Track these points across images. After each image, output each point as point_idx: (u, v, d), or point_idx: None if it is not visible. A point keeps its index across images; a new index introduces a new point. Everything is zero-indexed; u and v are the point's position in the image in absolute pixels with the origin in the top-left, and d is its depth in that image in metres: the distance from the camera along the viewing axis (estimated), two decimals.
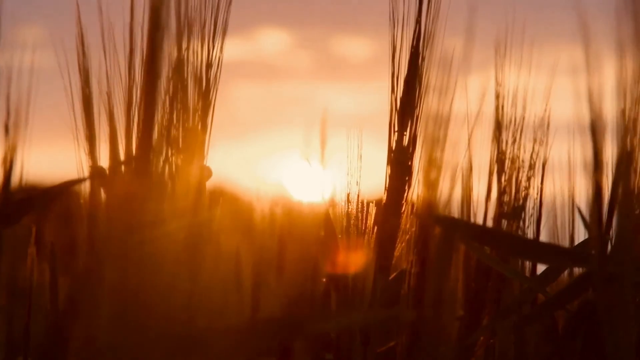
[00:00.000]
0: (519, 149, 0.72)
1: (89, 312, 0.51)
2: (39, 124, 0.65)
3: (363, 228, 0.70)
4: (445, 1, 0.67)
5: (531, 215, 0.73)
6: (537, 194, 0.73)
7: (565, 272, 0.69)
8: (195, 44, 0.61)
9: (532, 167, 0.72)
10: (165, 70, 0.46)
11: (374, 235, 0.69)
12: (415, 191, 0.69)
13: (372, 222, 0.70)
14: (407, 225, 0.68)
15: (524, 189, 0.72)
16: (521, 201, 0.72)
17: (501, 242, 0.66)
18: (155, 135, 0.48)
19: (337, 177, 0.71)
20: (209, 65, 0.62)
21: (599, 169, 0.54)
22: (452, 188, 0.56)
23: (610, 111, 0.55)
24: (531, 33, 0.71)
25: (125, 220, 0.48)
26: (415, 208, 0.68)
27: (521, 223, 0.72)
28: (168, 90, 0.52)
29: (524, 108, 0.72)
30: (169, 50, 0.46)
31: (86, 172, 0.63)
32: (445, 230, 0.56)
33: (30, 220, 0.70)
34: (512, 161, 0.71)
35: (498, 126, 0.71)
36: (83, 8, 0.63)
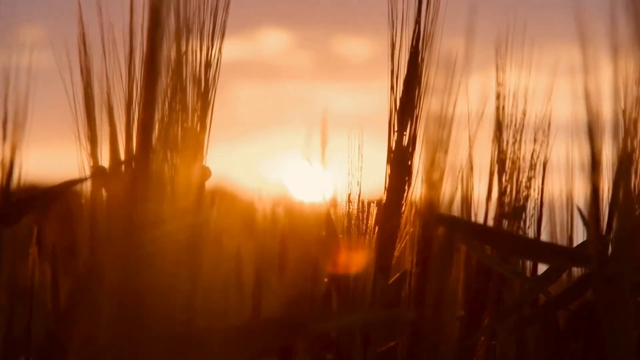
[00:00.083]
0: (519, 149, 0.72)
1: (90, 312, 0.51)
2: (40, 124, 0.65)
3: (364, 228, 0.70)
4: (445, 1, 0.67)
5: (532, 216, 0.73)
6: (538, 194, 0.73)
7: (564, 273, 0.69)
8: (195, 44, 0.61)
9: (532, 167, 0.72)
10: (164, 71, 0.46)
11: (374, 236, 0.69)
12: (416, 191, 0.68)
13: (372, 222, 0.70)
14: (408, 225, 0.68)
15: (524, 189, 0.72)
16: (522, 201, 0.72)
17: (502, 241, 0.66)
18: (155, 135, 0.48)
19: (338, 177, 0.71)
20: (208, 66, 0.62)
21: (597, 169, 0.54)
22: (452, 188, 0.56)
23: (609, 112, 0.55)
24: (531, 33, 0.71)
25: (126, 220, 0.48)
26: (416, 208, 0.68)
27: (522, 223, 0.72)
28: (167, 90, 0.52)
29: (525, 108, 0.72)
30: (168, 51, 0.46)
31: (87, 172, 0.63)
32: (446, 229, 0.56)
33: (31, 220, 0.70)
34: (513, 161, 0.71)
35: (499, 126, 0.71)
36: (83, 8, 0.63)
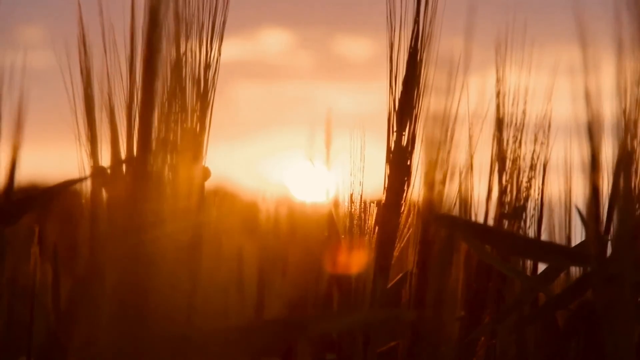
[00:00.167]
0: (519, 148, 0.72)
1: (91, 313, 0.51)
2: (40, 124, 0.65)
3: (365, 228, 0.70)
4: (445, 1, 0.67)
5: (532, 216, 0.73)
6: (538, 194, 0.73)
7: (563, 273, 0.69)
8: (194, 44, 0.61)
9: (533, 167, 0.72)
10: (163, 71, 0.46)
11: (374, 236, 0.69)
12: (415, 191, 0.69)
13: (373, 222, 0.70)
14: (407, 225, 0.68)
15: (524, 189, 0.72)
16: (522, 201, 0.72)
17: (502, 240, 0.66)
18: (154, 136, 0.48)
19: (340, 177, 0.71)
20: (207, 66, 0.62)
21: (597, 169, 0.54)
22: (452, 188, 0.56)
23: (609, 112, 0.55)
24: (531, 33, 0.71)
25: (126, 221, 0.48)
26: (415, 208, 0.68)
27: (522, 223, 0.72)
28: (167, 91, 0.52)
29: (525, 108, 0.72)
30: (167, 51, 0.46)
31: (87, 172, 0.63)
32: (446, 229, 0.56)
33: (33, 220, 0.70)
34: (513, 161, 0.71)
35: (499, 126, 0.71)
36: (83, 8, 0.63)
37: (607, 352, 0.53)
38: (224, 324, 0.56)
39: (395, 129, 0.68)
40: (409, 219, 0.68)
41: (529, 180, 0.72)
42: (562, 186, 0.73)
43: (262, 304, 0.81)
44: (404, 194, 0.68)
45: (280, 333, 0.48)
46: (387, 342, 0.71)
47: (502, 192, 0.71)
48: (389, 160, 0.68)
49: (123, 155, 0.60)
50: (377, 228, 0.69)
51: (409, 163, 0.68)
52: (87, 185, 0.62)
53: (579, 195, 0.73)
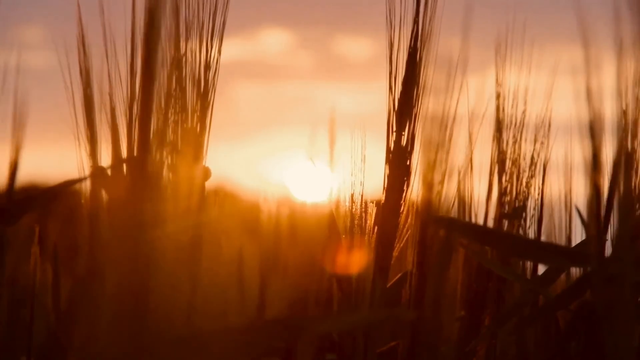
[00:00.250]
0: (519, 148, 0.72)
1: (91, 313, 0.51)
2: (41, 124, 0.65)
3: (366, 228, 0.70)
4: (445, 1, 0.67)
5: (532, 216, 0.72)
6: (538, 194, 0.73)
7: (562, 274, 0.69)
8: (194, 45, 0.61)
9: (533, 167, 0.72)
10: (162, 72, 0.46)
11: (374, 236, 0.69)
12: (414, 191, 0.68)
13: (372, 222, 0.70)
14: (407, 226, 0.68)
15: (524, 189, 0.72)
16: (522, 201, 0.72)
17: (502, 242, 0.66)
18: (154, 136, 0.48)
19: (340, 177, 0.71)
20: (207, 66, 0.62)
21: (598, 168, 0.54)
22: (452, 188, 0.56)
23: (610, 112, 0.55)
24: (531, 33, 0.71)
25: (126, 221, 0.48)
26: (415, 208, 0.68)
27: (522, 223, 0.72)
28: (166, 91, 0.52)
29: (525, 108, 0.72)
30: (166, 52, 0.46)
31: (87, 172, 0.63)
32: (445, 230, 0.56)
33: (33, 220, 0.70)
34: (513, 161, 0.71)
35: (499, 126, 0.71)
36: (84, 8, 0.63)
37: (607, 352, 0.53)
38: (224, 324, 0.56)
39: (394, 129, 0.68)
40: (409, 219, 0.68)
41: (529, 180, 0.72)
42: (562, 186, 0.73)
43: (262, 304, 0.81)
44: (404, 194, 0.68)
45: (280, 333, 0.48)
46: (387, 342, 0.71)
47: (502, 192, 0.71)
48: (388, 161, 0.68)
49: (123, 155, 0.60)
50: (376, 228, 0.69)
51: (408, 163, 0.68)
52: (87, 186, 0.62)
53: (579, 195, 0.73)
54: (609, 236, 0.66)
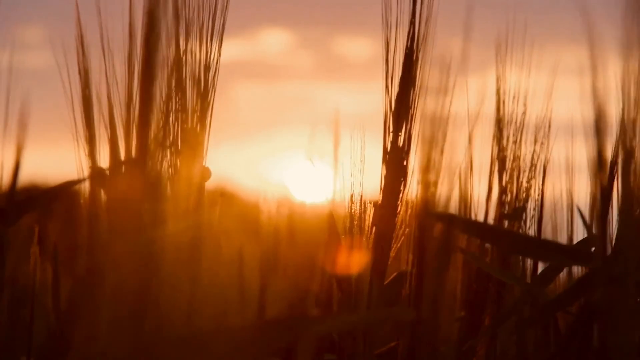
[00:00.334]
0: (519, 148, 0.72)
1: (91, 313, 0.51)
2: (41, 124, 0.65)
3: (364, 229, 0.70)
4: (443, 1, 0.67)
5: (532, 216, 0.72)
6: (538, 194, 0.73)
7: (560, 273, 0.69)
8: (194, 45, 0.61)
9: (533, 167, 0.72)
10: (161, 72, 0.46)
11: (372, 236, 0.69)
12: (412, 191, 0.69)
13: (370, 222, 0.70)
14: (404, 226, 0.69)
15: (524, 189, 0.72)
16: (522, 202, 0.72)
17: (502, 239, 0.66)
18: (154, 136, 0.48)
19: (340, 178, 0.71)
20: (207, 66, 0.62)
21: (604, 167, 0.54)
22: (451, 188, 0.56)
23: (612, 111, 0.55)
24: (531, 33, 0.71)
25: (125, 221, 0.48)
26: (412, 208, 0.68)
27: (522, 223, 0.72)
28: (166, 91, 0.52)
29: (525, 108, 0.72)
30: (165, 52, 0.46)
31: (86, 173, 0.63)
32: (446, 226, 0.56)
33: (33, 220, 0.70)
34: (513, 161, 0.71)
35: (499, 126, 0.71)
36: (82, 9, 0.63)
37: (610, 352, 0.53)
38: (224, 324, 0.56)
39: (391, 129, 0.68)
40: (406, 219, 0.68)
41: (529, 180, 0.72)
42: (563, 186, 0.73)
43: (262, 304, 0.81)
44: (400, 195, 0.68)
45: (280, 333, 0.48)
46: (388, 342, 0.71)
47: (502, 192, 0.71)
48: (385, 161, 0.68)
49: (122, 155, 0.60)
50: (374, 228, 0.69)
51: (405, 163, 0.68)
52: (86, 186, 0.62)
53: (579, 195, 0.73)
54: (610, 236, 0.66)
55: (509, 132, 0.71)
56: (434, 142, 0.55)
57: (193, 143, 0.60)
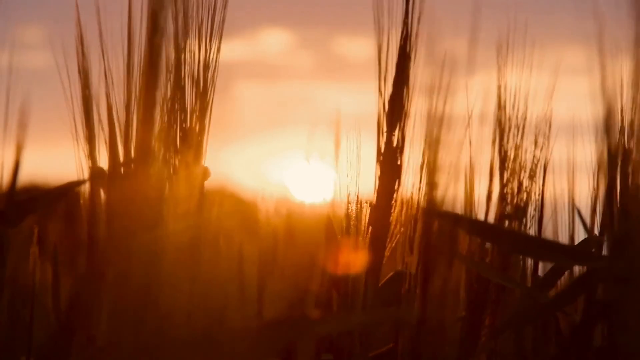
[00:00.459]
0: (520, 148, 0.72)
1: (91, 313, 0.51)
2: (41, 123, 0.65)
3: (361, 229, 0.70)
4: (441, 1, 0.67)
5: (532, 217, 0.72)
6: (539, 194, 0.73)
7: (562, 276, 0.69)
8: (193, 45, 0.61)
9: (533, 167, 0.72)
10: (163, 73, 0.46)
11: (368, 236, 0.69)
12: (407, 190, 0.69)
13: (366, 222, 0.70)
14: (399, 225, 0.69)
15: (525, 189, 0.72)
16: (523, 202, 0.72)
17: (504, 239, 0.66)
18: (155, 136, 0.48)
19: (338, 178, 0.71)
20: (206, 66, 0.62)
21: (614, 166, 0.54)
22: (450, 189, 0.56)
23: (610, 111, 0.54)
24: (532, 33, 0.71)
25: (125, 221, 0.48)
26: (408, 207, 0.68)
27: (522, 223, 0.72)
28: (166, 92, 0.52)
29: (526, 108, 0.72)
30: (167, 53, 0.46)
31: (86, 173, 0.63)
32: (448, 225, 0.56)
33: (32, 220, 0.70)
34: (514, 161, 0.71)
35: (499, 126, 0.71)
36: (82, 9, 0.63)
37: (620, 351, 0.53)
38: (225, 325, 0.56)
39: (385, 129, 0.68)
40: (400, 219, 0.69)
41: (530, 180, 0.72)
42: (563, 186, 0.73)
43: (261, 304, 0.81)
44: (394, 194, 0.69)
45: (281, 334, 0.48)
46: (385, 343, 0.71)
47: (503, 192, 0.71)
48: (379, 161, 0.69)
49: (120, 155, 0.60)
50: (369, 228, 0.69)
51: (399, 164, 0.68)
52: (86, 186, 0.62)
53: (580, 195, 0.73)
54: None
55: (509, 132, 0.71)
56: (432, 142, 0.55)
57: (192, 143, 0.60)
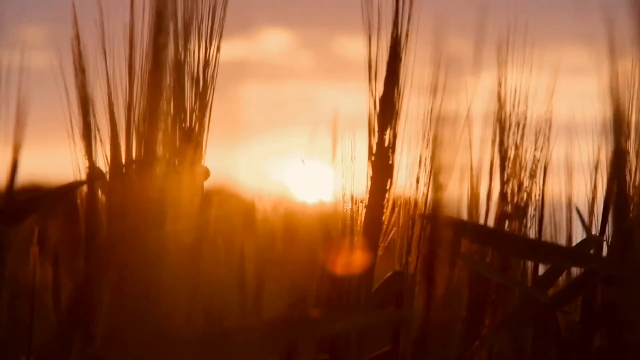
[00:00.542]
0: (520, 148, 0.72)
1: (91, 313, 0.51)
2: (40, 123, 0.65)
3: (356, 229, 0.70)
4: (441, 1, 0.67)
5: (533, 216, 0.72)
6: (539, 194, 0.73)
7: (560, 276, 0.69)
8: (192, 44, 0.61)
9: (534, 167, 0.72)
10: (167, 73, 0.46)
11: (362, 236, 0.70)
12: (401, 190, 0.69)
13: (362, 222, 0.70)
14: (391, 225, 0.69)
15: (525, 189, 0.72)
16: (523, 201, 0.72)
17: (504, 242, 0.66)
18: (157, 136, 0.48)
19: (337, 178, 0.71)
20: (206, 65, 0.62)
21: (623, 165, 0.54)
22: (450, 189, 0.56)
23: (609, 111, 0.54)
24: (533, 33, 0.71)
25: (125, 221, 0.48)
26: (401, 207, 0.69)
27: (523, 223, 0.72)
28: (167, 91, 0.52)
29: (526, 108, 0.72)
30: (170, 54, 0.46)
31: (83, 173, 0.63)
32: (450, 231, 0.56)
33: (32, 220, 0.70)
34: (514, 161, 0.71)
35: (500, 125, 0.71)
36: (82, 9, 0.63)
37: (628, 351, 0.53)
38: (224, 325, 0.56)
39: (376, 129, 0.68)
40: (393, 218, 0.69)
41: (530, 180, 0.72)
42: (563, 186, 0.73)
43: (261, 305, 0.81)
44: (387, 194, 0.69)
45: (281, 335, 0.48)
46: (383, 344, 0.71)
47: (503, 192, 0.71)
48: (370, 161, 0.69)
49: (122, 155, 0.60)
50: (363, 228, 0.69)
51: (390, 163, 0.68)
52: (84, 186, 0.62)
53: (580, 195, 0.73)
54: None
55: (509, 132, 0.71)
56: (428, 142, 0.55)
57: (192, 142, 0.60)
